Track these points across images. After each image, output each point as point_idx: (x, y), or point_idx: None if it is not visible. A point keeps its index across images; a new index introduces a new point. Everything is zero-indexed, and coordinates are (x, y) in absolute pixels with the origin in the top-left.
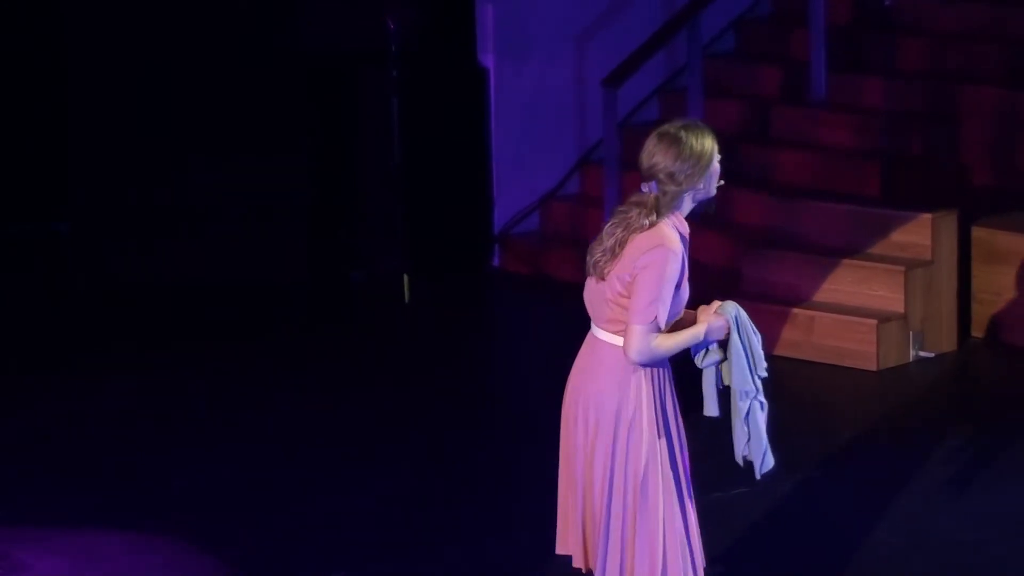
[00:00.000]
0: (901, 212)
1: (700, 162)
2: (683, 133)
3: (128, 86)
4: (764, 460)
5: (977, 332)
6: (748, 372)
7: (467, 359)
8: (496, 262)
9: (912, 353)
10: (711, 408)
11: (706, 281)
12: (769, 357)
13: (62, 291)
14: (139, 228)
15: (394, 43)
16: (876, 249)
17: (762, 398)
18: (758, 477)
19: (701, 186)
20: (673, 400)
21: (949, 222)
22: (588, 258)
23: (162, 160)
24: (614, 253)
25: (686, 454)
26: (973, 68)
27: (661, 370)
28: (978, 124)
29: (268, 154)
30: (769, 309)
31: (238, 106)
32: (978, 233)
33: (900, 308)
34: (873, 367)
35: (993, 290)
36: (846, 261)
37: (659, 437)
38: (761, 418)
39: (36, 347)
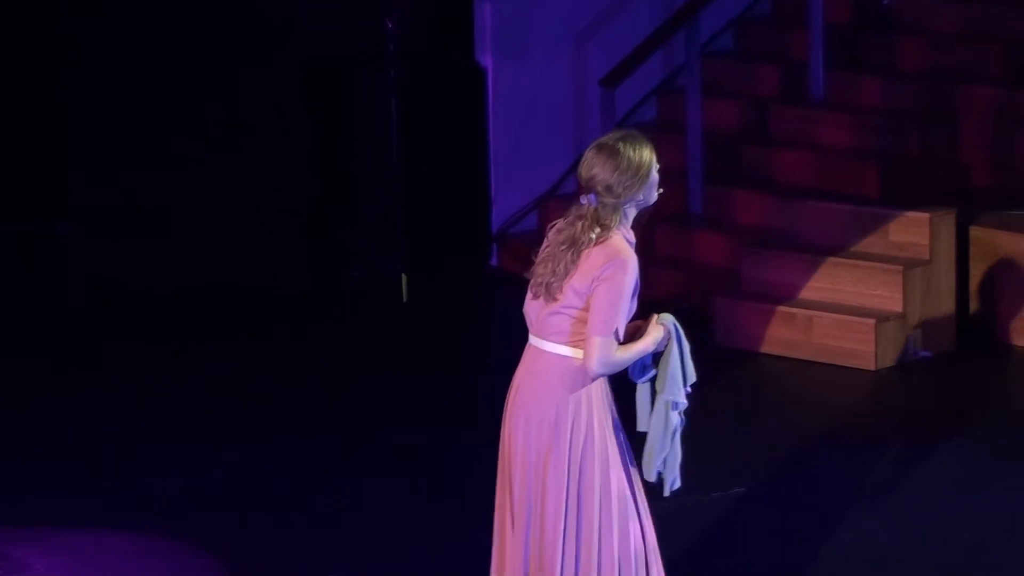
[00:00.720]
0: (900, 212)
1: (638, 173)
2: (621, 145)
3: (127, 87)
4: (677, 477)
5: (975, 332)
6: (681, 384)
7: (465, 358)
8: (494, 261)
9: (911, 352)
10: (644, 423)
11: (706, 281)
12: (768, 357)
13: (62, 291)
14: (138, 228)
15: (392, 43)
16: (875, 249)
17: (683, 414)
18: (666, 494)
19: (641, 196)
20: (616, 412)
21: (948, 222)
22: (533, 279)
23: (161, 160)
24: (567, 272)
25: (633, 467)
26: (971, 68)
27: (605, 382)
28: (976, 124)
29: (267, 154)
30: (768, 309)
31: (237, 106)
32: (976, 233)
33: (899, 308)
34: (872, 367)
35: (991, 290)
36: (845, 261)
37: (610, 450)
38: (679, 434)
39: (36, 347)
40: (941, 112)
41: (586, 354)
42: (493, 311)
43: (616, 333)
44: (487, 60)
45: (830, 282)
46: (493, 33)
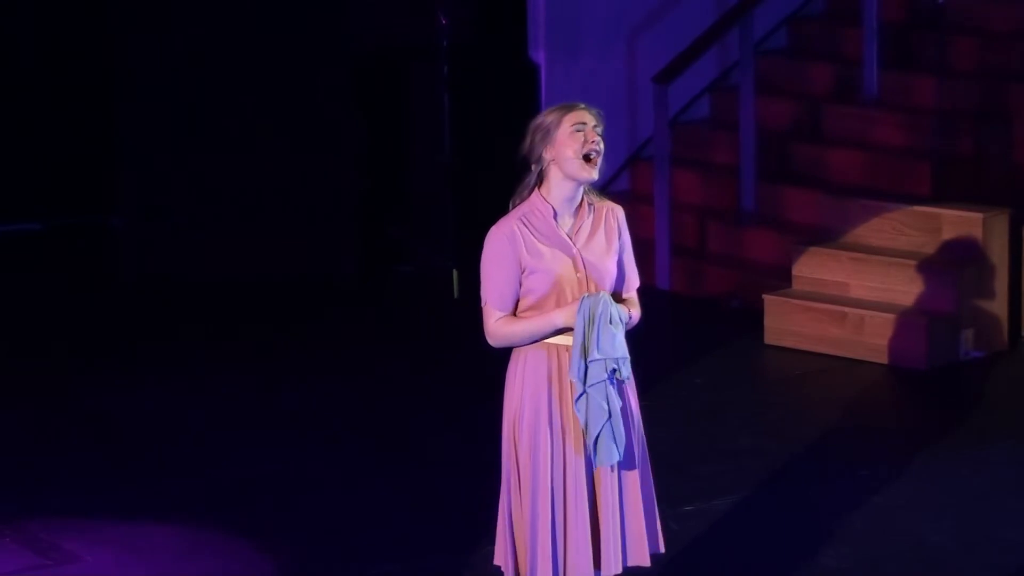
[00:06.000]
0: (952, 211)
1: (539, 129)
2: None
3: (179, 81)
4: (599, 452)
5: None
6: (579, 359)
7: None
8: None
9: (962, 353)
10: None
11: (757, 279)
12: (818, 356)
13: (114, 284)
14: (190, 223)
15: (446, 38)
16: (927, 248)
17: (591, 391)
18: (595, 466)
19: (549, 156)
20: (563, 402)
21: (1001, 221)
22: None
23: (212, 156)
24: None
25: (578, 459)
26: None
27: (546, 365)
28: None
29: (319, 149)
30: (820, 307)
31: (289, 101)
32: None
33: (951, 307)
34: (923, 366)
35: None
36: (897, 260)
37: (536, 435)
38: (588, 407)
39: (88, 340)
40: (995, 111)
41: None
42: None
43: (490, 303)
44: (540, 56)
45: (882, 281)
46: (546, 29)
